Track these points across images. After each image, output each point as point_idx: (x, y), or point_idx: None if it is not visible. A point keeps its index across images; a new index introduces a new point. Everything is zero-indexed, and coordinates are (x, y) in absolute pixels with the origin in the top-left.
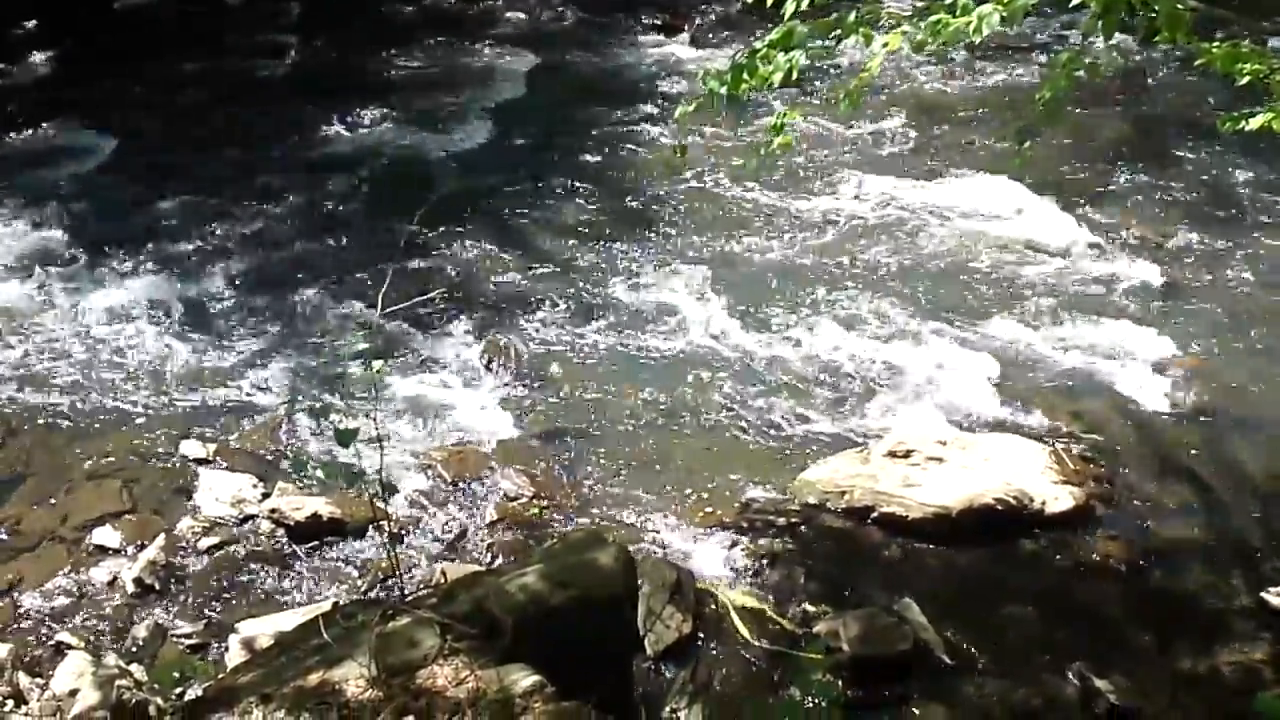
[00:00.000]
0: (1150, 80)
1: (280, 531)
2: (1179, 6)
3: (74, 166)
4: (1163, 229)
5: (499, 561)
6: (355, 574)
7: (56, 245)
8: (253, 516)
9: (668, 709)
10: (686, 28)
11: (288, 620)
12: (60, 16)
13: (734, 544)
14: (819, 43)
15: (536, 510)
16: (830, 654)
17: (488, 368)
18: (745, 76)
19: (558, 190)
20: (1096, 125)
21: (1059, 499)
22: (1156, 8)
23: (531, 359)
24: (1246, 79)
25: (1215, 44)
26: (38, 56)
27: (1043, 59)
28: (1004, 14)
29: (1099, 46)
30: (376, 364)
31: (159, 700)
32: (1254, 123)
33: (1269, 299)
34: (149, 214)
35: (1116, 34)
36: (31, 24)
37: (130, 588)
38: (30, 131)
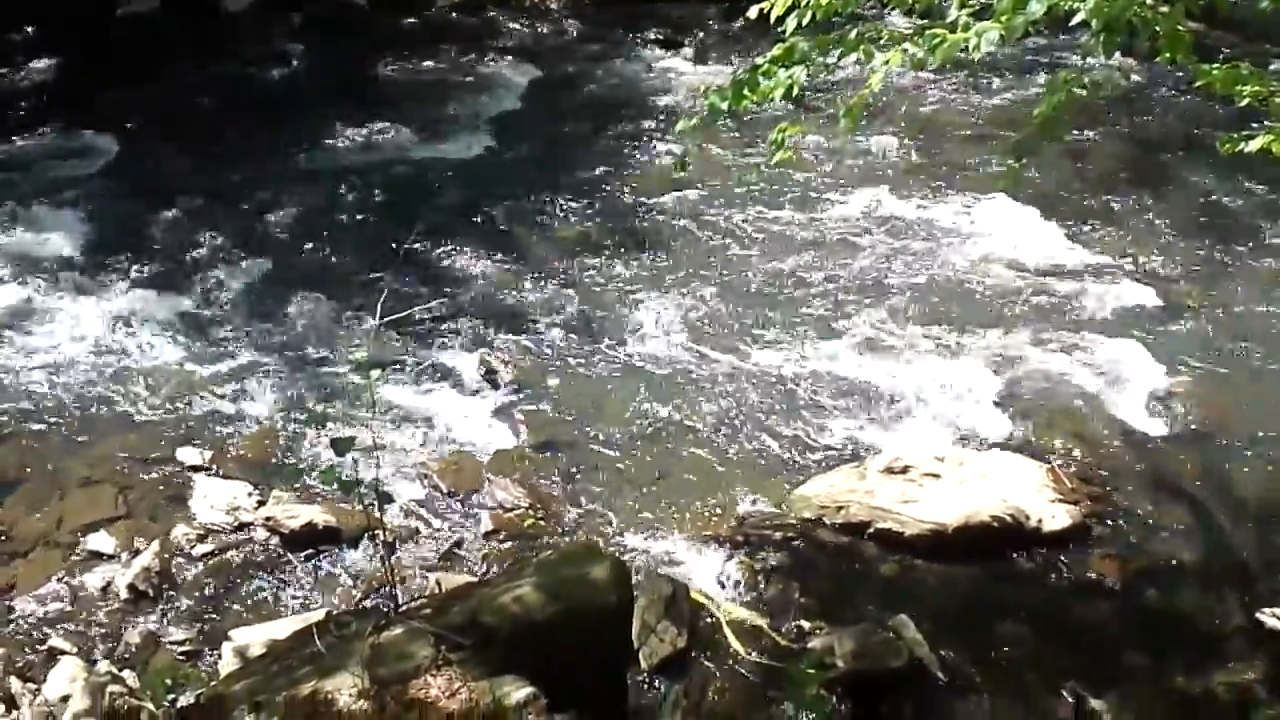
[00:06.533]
0: (1150, 101)
1: (275, 539)
2: (1180, 27)
3: (74, 173)
4: (1161, 249)
5: (494, 572)
6: (349, 583)
7: (55, 251)
8: (248, 524)
9: None
10: (688, 43)
11: (281, 629)
12: (62, 23)
13: (729, 558)
14: (820, 59)
15: (532, 522)
16: (824, 670)
17: (485, 379)
18: (746, 92)
19: (558, 203)
20: (1095, 145)
21: (1055, 517)
22: (1157, 28)
23: (529, 370)
24: (1246, 101)
25: (1215, 65)
26: (40, 62)
27: (1042, 78)
28: (1002, 32)
29: (1099, 65)
30: (374, 373)
31: (150, 707)
32: (1253, 145)
33: (1266, 319)
34: (148, 221)
35: (1117, 54)
36: (32, 30)
37: (124, 594)
38: (31, 138)
